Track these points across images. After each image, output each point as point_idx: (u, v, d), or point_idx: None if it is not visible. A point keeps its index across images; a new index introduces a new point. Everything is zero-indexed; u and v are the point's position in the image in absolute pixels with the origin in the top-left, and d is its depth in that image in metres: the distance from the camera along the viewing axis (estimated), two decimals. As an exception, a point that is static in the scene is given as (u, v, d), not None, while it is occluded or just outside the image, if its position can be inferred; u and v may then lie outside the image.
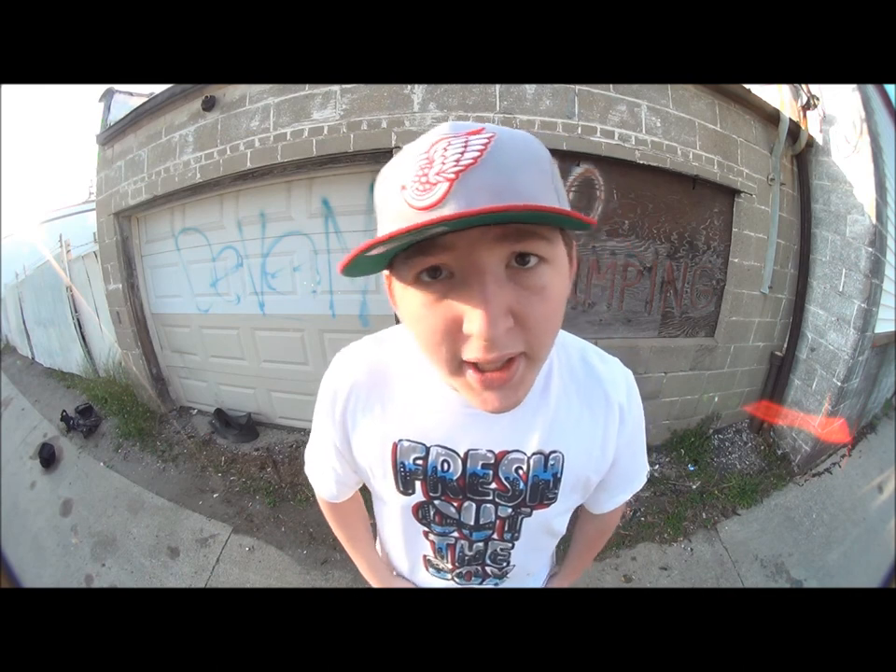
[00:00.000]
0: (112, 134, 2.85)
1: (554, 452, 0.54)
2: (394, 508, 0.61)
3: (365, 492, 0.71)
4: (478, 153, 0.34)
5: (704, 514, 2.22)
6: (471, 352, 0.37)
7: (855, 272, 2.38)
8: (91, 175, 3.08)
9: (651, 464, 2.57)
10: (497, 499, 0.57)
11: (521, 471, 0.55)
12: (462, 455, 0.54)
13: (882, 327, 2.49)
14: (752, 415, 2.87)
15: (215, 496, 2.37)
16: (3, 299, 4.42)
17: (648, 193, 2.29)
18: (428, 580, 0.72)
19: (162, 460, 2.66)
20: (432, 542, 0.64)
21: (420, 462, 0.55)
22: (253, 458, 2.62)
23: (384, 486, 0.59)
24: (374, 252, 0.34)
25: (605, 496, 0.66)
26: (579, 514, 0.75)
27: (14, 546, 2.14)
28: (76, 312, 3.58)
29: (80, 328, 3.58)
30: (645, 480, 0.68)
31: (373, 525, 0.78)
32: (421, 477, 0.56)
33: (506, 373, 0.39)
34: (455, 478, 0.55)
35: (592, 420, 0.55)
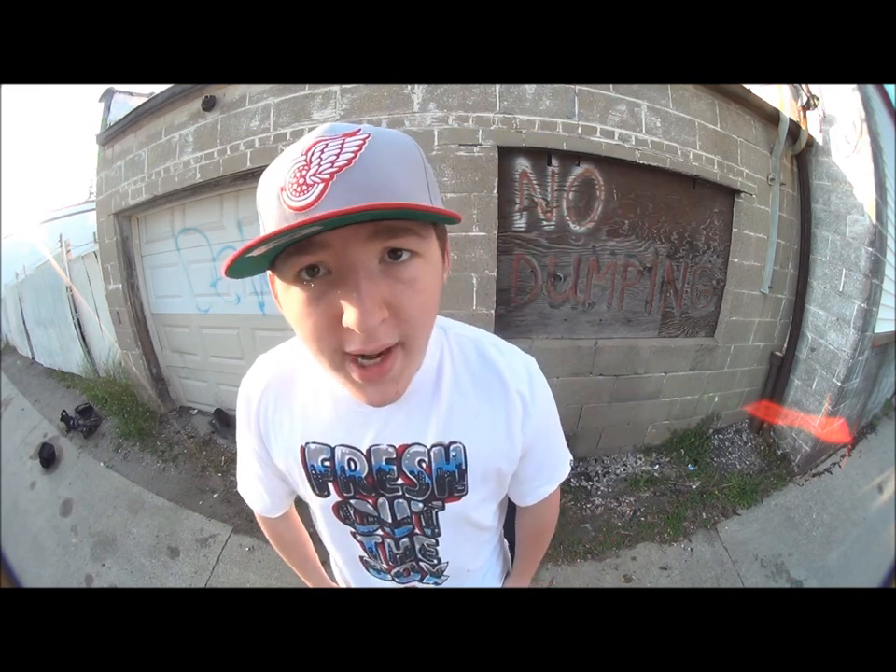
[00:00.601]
0: (112, 134, 2.85)
1: (454, 443, 0.55)
2: (317, 511, 0.63)
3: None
4: (352, 154, 0.35)
5: (704, 514, 2.22)
6: (352, 344, 0.39)
7: (855, 272, 2.38)
8: (91, 175, 3.09)
9: (651, 464, 2.57)
10: (406, 494, 0.58)
11: (423, 464, 0.55)
12: (365, 452, 0.55)
13: (882, 327, 2.49)
14: (752, 415, 2.87)
15: (215, 496, 2.37)
16: (3, 299, 4.42)
17: (648, 193, 2.29)
18: (372, 582, 0.72)
19: (162, 460, 2.66)
20: (361, 542, 0.65)
21: (328, 463, 0.56)
22: (253, 458, 2.62)
23: (304, 490, 0.60)
24: (255, 253, 0.36)
25: (526, 487, 0.66)
26: (516, 512, 0.75)
27: (14, 546, 2.14)
28: (76, 312, 3.58)
29: (80, 328, 3.58)
30: (569, 469, 0.68)
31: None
32: (332, 478, 0.57)
33: (383, 366, 0.41)
34: (363, 475, 0.56)
35: (491, 410, 0.55)
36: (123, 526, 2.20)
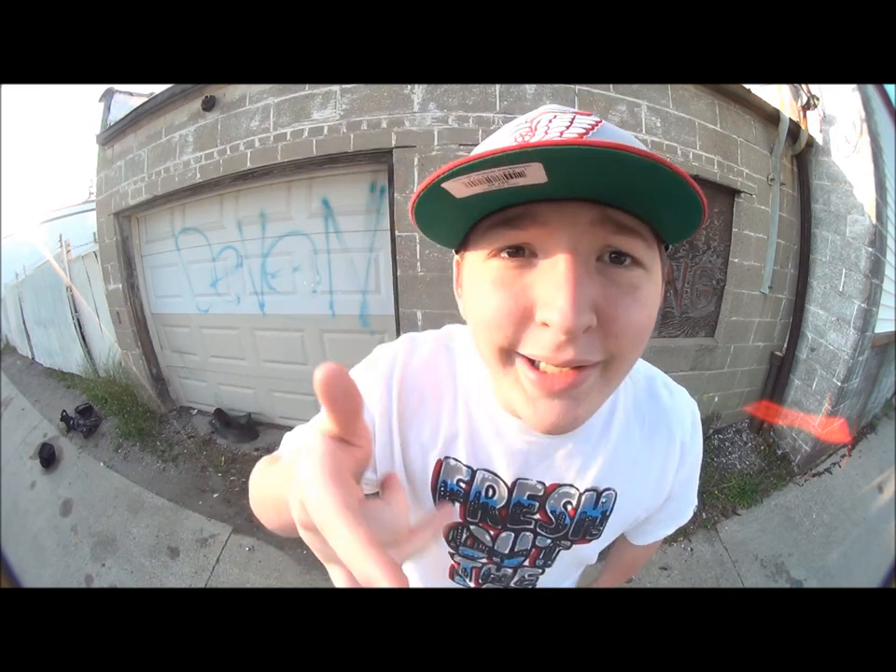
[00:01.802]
0: (112, 134, 2.85)
1: (608, 490, 0.50)
2: None
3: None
4: (584, 130, 0.30)
5: (704, 514, 2.22)
6: (537, 346, 0.31)
7: (855, 272, 2.38)
8: (91, 175, 3.08)
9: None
10: (538, 529, 0.53)
11: (569, 506, 0.50)
12: (510, 483, 0.49)
13: (882, 327, 2.49)
14: (752, 415, 2.87)
15: (215, 496, 2.37)
16: (3, 299, 4.42)
17: (648, 193, 2.29)
18: (449, 585, 0.67)
19: (162, 460, 2.66)
20: (456, 563, 0.59)
21: (463, 485, 0.50)
22: (253, 458, 2.61)
23: (420, 499, 0.53)
24: (451, 185, 0.28)
25: (649, 528, 0.62)
26: (616, 542, 0.71)
27: (14, 546, 2.14)
28: (76, 312, 3.58)
29: (80, 328, 3.58)
30: (690, 515, 0.62)
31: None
32: (461, 500, 0.51)
33: (572, 378, 0.32)
34: (498, 506, 0.51)
35: (651, 457, 0.51)
36: (123, 526, 2.20)
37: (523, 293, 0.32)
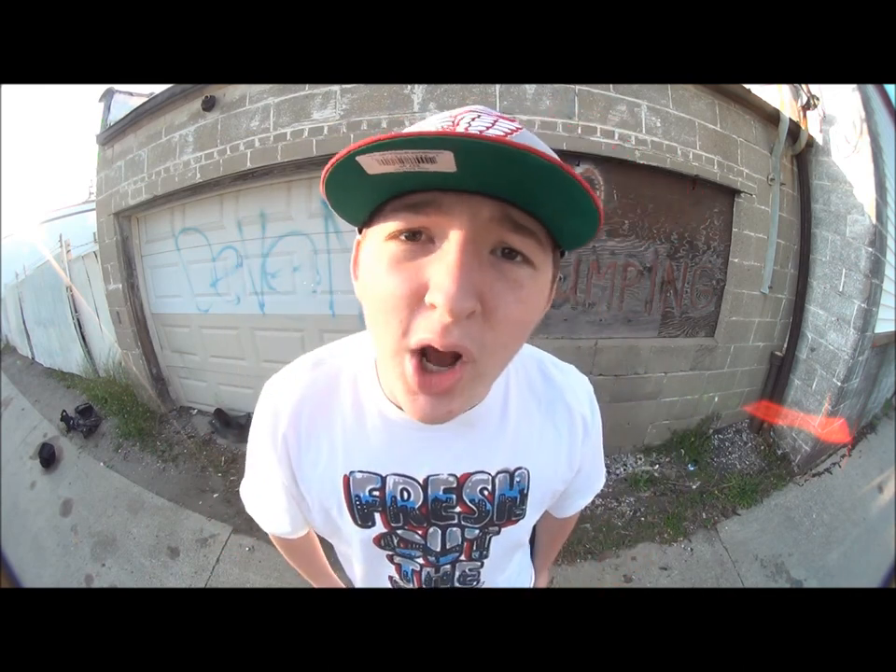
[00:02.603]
0: (112, 134, 2.85)
1: (520, 469, 0.52)
2: (354, 542, 0.56)
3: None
4: (503, 133, 0.32)
5: (704, 514, 2.22)
6: (425, 328, 0.33)
7: (855, 272, 2.38)
8: (91, 175, 3.08)
9: (651, 464, 2.57)
10: (462, 522, 0.54)
11: (486, 492, 0.52)
12: (421, 481, 0.50)
13: (882, 327, 2.49)
14: (752, 415, 2.87)
15: (215, 496, 2.37)
16: (3, 299, 4.42)
17: (648, 193, 2.29)
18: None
19: (162, 460, 2.66)
20: (397, 565, 0.60)
21: (377, 493, 0.50)
22: (253, 458, 2.62)
23: (340, 521, 0.54)
24: (364, 161, 0.29)
25: (568, 502, 0.66)
26: (539, 520, 0.75)
27: (14, 546, 2.14)
28: (76, 312, 3.58)
29: (80, 328, 3.58)
30: (604, 481, 0.68)
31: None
32: (380, 508, 0.52)
33: (445, 380, 0.35)
34: (416, 506, 0.51)
35: (555, 433, 0.53)
36: (123, 526, 2.20)
37: (416, 275, 0.33)
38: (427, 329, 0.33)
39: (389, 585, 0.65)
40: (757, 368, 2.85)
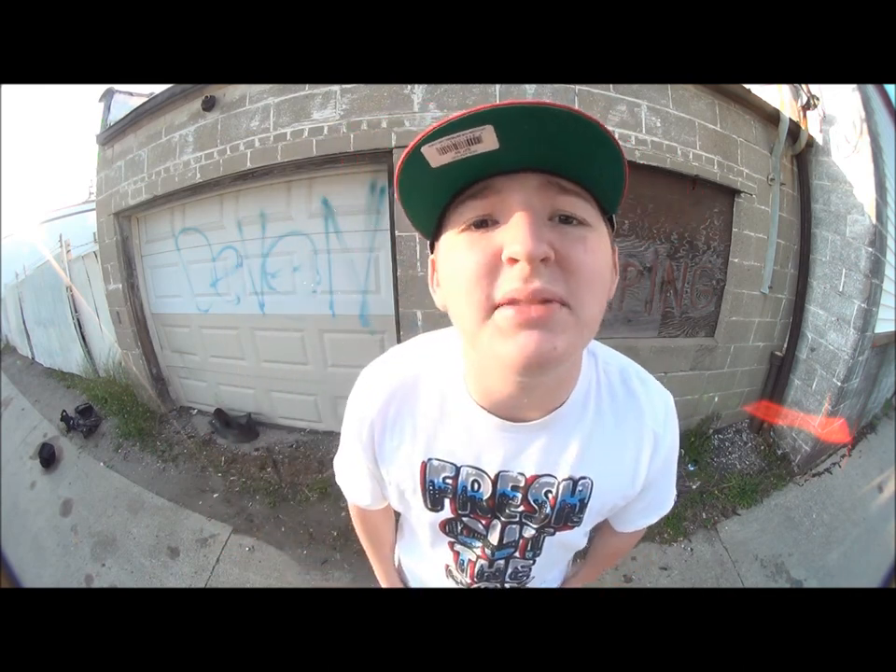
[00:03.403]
0: (112, 134, 2.85)
1: (584, 478, 0.53)
2: (422, 522, 0.61)
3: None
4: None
5: (704, 514, 2.22)
6: (509, 283, 0.34)
7: (855, 272, 2.38)
8: (91, 175, 3.08)
9: (651, 464, 2.57)
10: (523, 520, 0.57)
11: (549, 495, 0.54)
12: (492, 476, 0.53)
13: (882, 327, 2.49)
14: (752, 415, 2.87)
15: (215, 496, 2.37)
16: (3, 299, 4.42)
17: (648, 193, 2.29)
18: (447, 586, 0.72)
19: (162, 460, 2.66)
20: (456, 553, 0.64)
21: (450, 481, 0.54)
22: (253, 458, 2.62)
23: (413, 502, 0.58)
24: (427, 152, 0.34)
25: (631, 517, 0.65)
26: (601, 528, 0.74)
27: (14, 546, 2.14)
28: (76, 312, 3.57)
29: (80, 328, 3.58)
30: (672, 504, 0.66)
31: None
32: (450, 495, 0.56)
33: (545, 309, 0.34)
34: (484, 498, 0.55)
35: (624, 446, 0.53)
36: (123, 526, 2.20)
37: (490, 246, 0.36)
38: (511, 282, 0.34)
39: (443, 572, 0.70)
40: (757, 368, 2.85)
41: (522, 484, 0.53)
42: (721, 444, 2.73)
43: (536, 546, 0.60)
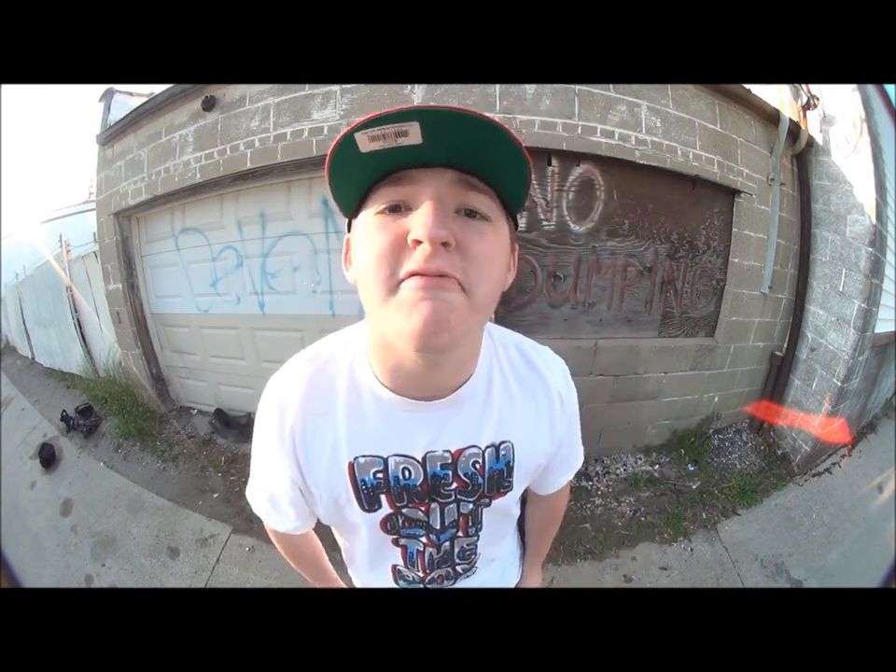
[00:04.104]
0: (112, 134, 2.85)
1: (504, 442, 0.56)
2: (360, 529, 0.60)
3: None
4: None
5: (704, 514, 2.22)
6: (413, 261, 0.38)
7: (855, 272, 2.38)
8: (91, 175, 3.08)
9: (651, 464, 2.57)
10: (458, 496, 0.59)
11: (477, 465, 0.56)
12: (420, 459, 0.54)
13: (882, 327, 2.49)
14: (752, 415, 2.87)
15: (215, 496, 2.37)
16: (3, 299, 4.42)
17: (648, 193, 2.29)
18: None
19: (162, 460, 2.66)
20: (403, 548, 0.63)
21: (380, 475, 0.54)
22: (253, 458, 2.61)
23: (348, 509, 0.57)
24: (359, 138, 0.37)
25: (550, 478, 0.70)
26: (528, 502, 0.79)
27: (14, 546, 2.14)
28: (76, 312, 3.58)
29: (80, 328, 3.58)
30: (582, 458, 0.72)
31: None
32: (384, 490, 0.55)
33: (443, 281, 0.38)
34: (418, 483, 0.56)
35: (536, 409, 0.58)
36: (123, 526, 2.20)
37: (398, 228, 0.39)
38: (414, 262, 0.38)
39: (391, 578, 0.68)
40: (757, 368, 2.85)
41: (450, 461, 0.55)
42: (721, 444, 2.73)
43: (476, 521, 0.62)
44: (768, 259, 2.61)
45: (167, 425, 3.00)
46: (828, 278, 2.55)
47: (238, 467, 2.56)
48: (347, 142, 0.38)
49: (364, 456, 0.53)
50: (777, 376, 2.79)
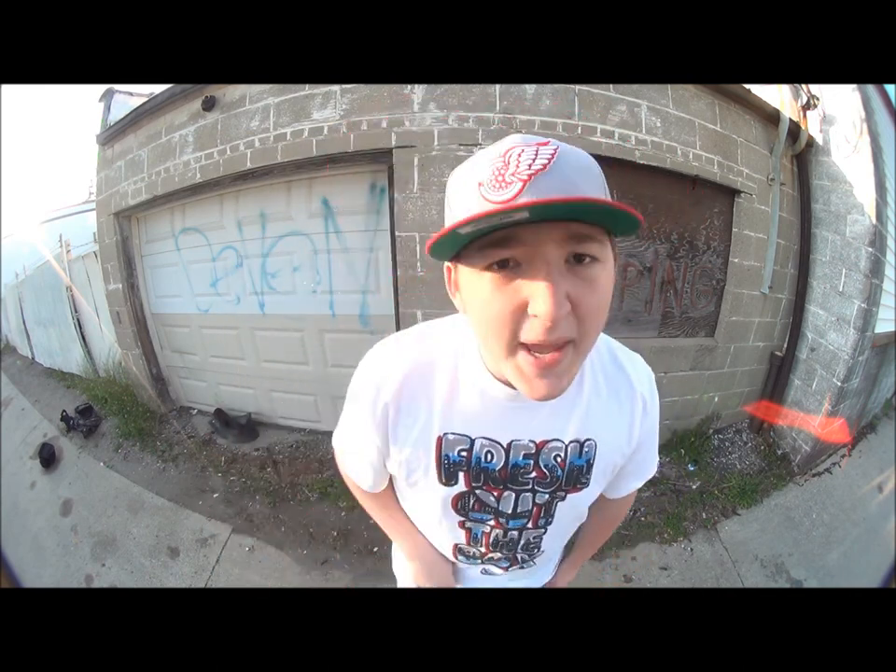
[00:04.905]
0: (112, 134, 2.85)
1: (589, 440, 0.59)
2: (433, 499, 0.63)
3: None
4: (547, 160, 0.39)
5: (704, 514, 2.22)
6: (532, 333, 0.41)
7: (855, 272, 2.38)
8: (91, 175, 3.08)
9: (651, 464, 2.57)
10: (535, 487, 0.61)
11: (559, 458, 0.59)
12: (505, 445, 0.57)
13: (882, 327, 2.49)
14: (752, 415, 2.87)
15: (215, 496, 2.37)
16: (3, 299, 4.42)
17: (648, 193, 2.29)
18: (456, 568, 0.76)
19: (162, 460, 2.66)
20: (468, 530, 0.66)
21: (465, 454, 0.58)
22: (253, 458, 2.62)
23: (424, 480, 0.61)
24: (464, 231, 0.38)
25: (622, 482, 0.70)
26: (596, 502, 0.78)
27: (14, 546, 2.14)
28: (76, 312, 3.58)
29: (80, 328, 3.58)
30: (656, 468, 0.73)
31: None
32: (465, 468, 0.59)
33: (555, 358, 0.42)
34: (497, 468, 0.58)
35: (619, 410, 0.60)
36: (123, 526, 2.20)
37: (516, 295, 0.41)
38: (535, 333, 0.41)
39: (452, 554, 0.72)
40: (757, 368, 2.85)
41: (533, 451, 0.58)
42: (721, 444, 2.73)
43: (548, 513, 0.64)
44: (768, 259, 2.61)
45: (167, 425, 3.00)
46: (828, 278, 2.55)
47: (238, 467, 2.56)
48: (450, 235, 0.39)
49: (454, 434, 0.57)
50: (777, 376, 2.79)
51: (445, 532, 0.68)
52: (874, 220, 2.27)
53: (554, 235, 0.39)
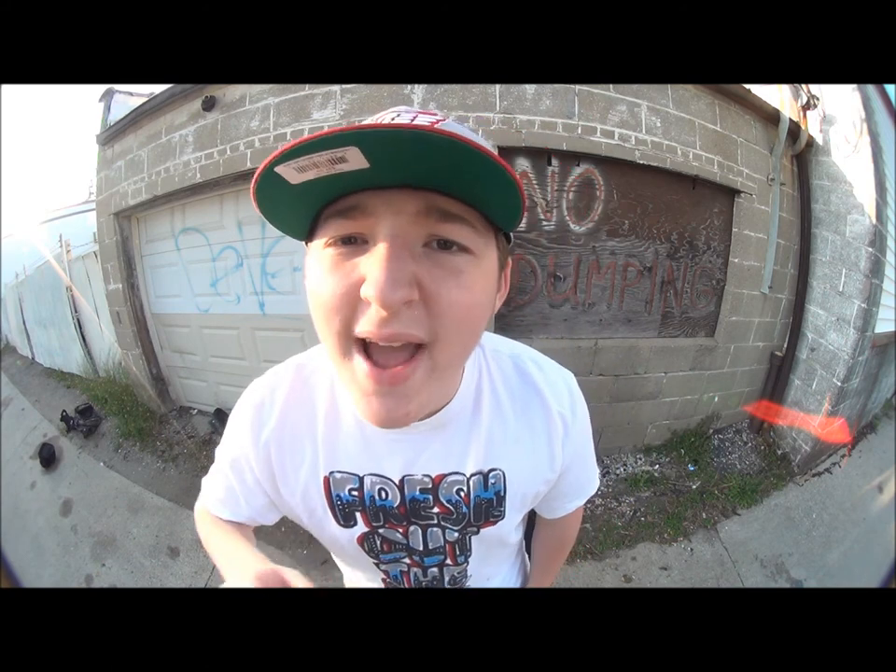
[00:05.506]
0: (112, 134, 2.85)
1: (494, 470, 0.51)
2: (339, 542, 0.57)
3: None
4: (413, 117, 0.33)
5: (704, 514, 2.22)
6: (365, 323, 0.32)
7: (855, 272, 2.38)
8: (91, 175, 3.08)
9: (651, 464, 2.57)
10: (442, 522, 0.54)
11: (462, 493, 0.51)
12: (397, 482, 0.51)
13: (882, 327, 2.49)
14: (752, 415, 2.87)
15: (215, 496, 2.37)
16: (3, 299, 4.42)
17: (648, 193, 2.30)
18: None
19: (162, 460, 2.66)
20: (385, 572, 0.60)
21: (356, 493, 0.51)
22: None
23: (324, 521, 0.54)
24: (295, 180, 0.30)
25: (557, 503, 0.63)
26: (536, 523, 0.72)
27: (14, 546, 2.14)
28: (76, 312, 3.58)
29: (80, 328, 3.58)
30: (598, 483, 0.65)
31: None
32: (360, 508, 0.52)
33: (399, 371, 0.33)
34: (395, 505, 0.52)
35: (532, 434, 0.52)
36: (123, 526, 2.20)
37: (351, 273, 0.33)
38: (367, 323, 0.32)
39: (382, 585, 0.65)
40: (757, 368, 2.85)
41: (430, 486, 0.51)
42: (721, 444, 2.74)
43: (464, 548, 0.57)
44: (768, 258, 2.61)
45: (167, 425, 3.00)
46: (828, 278, 2.55)
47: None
48: (270, 176, 0.30)
49: (340, 472, 0.51)
50: (777, 376, 2.79)
51: (363, 573, 0.62)
52: (874, 220, 2.27)
53: (410, 206, 0.31)
